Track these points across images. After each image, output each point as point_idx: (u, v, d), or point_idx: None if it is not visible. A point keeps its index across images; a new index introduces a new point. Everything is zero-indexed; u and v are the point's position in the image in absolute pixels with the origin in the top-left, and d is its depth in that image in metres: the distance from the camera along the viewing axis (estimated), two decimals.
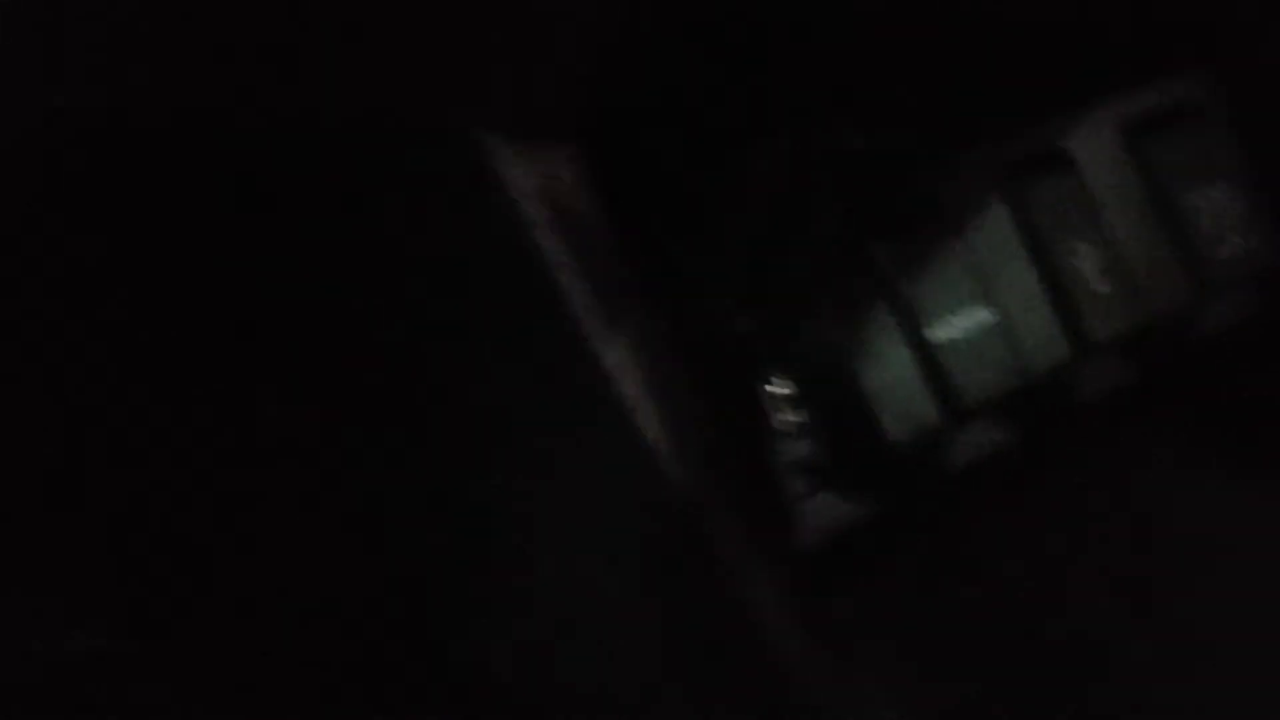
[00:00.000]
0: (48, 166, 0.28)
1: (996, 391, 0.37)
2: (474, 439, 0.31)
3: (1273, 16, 0.44)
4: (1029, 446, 0.40)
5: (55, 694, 0.29)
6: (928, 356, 0.36)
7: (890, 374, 0.36)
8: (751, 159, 0.31)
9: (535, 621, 0.32)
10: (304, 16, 0.27)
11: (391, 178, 0.29)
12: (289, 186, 0.29)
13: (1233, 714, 0.37)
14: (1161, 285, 0.42)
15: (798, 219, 0.34)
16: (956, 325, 0.37)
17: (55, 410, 0.29)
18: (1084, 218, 0.40)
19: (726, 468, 0.31)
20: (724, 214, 0.33)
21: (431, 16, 0.28)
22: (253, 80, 0.28)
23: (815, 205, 0.34)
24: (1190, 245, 0.42)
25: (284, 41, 0.28)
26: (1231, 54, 0.45)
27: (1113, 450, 0.43)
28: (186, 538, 0.30)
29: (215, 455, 0.30)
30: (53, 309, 0.28)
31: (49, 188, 0.28)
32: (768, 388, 0.35)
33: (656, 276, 0.32)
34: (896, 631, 0.37)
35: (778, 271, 0.34)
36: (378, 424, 0.31)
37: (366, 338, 0.31)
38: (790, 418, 0.35)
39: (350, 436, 0.31)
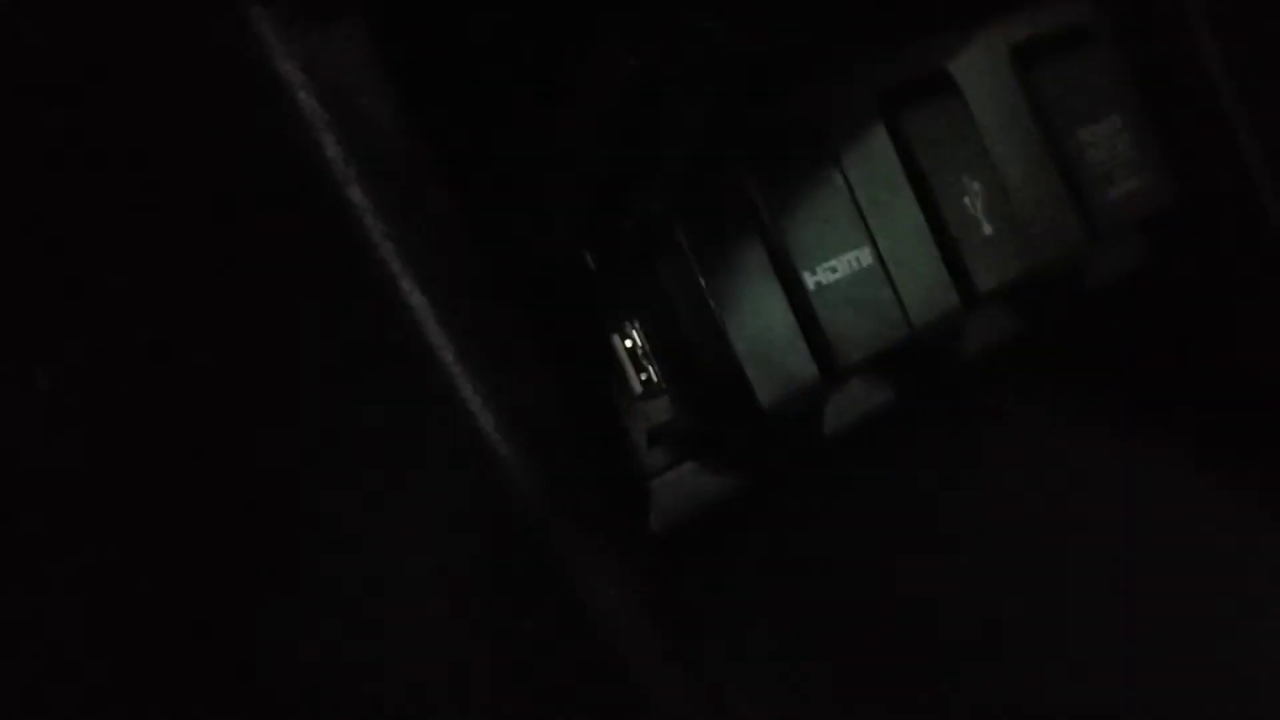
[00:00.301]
0: None
1: (877, 346, 0.32)
2: (252, 393, 0.25)
3: None
4: (908, 406, 0.35)
5: None
6: (803, 305, 0.31)
7: (761, 325, 0.30)
8: (595, 58, 0.25)
9: (344, 619, 0.26)
10: None
11: (137, 53, 0.23)
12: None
13: (1111, 675, 0.35)
14: (1051, 229, 0.37)
15: (652, 137, 0.28)
16: (835, 269, 0.32)
17: None
18: (970, 150, 0.36)
19: (566, 436, 0.25)
20: (561, 126, 0.27)
21: None
22: None
23: (674, 122, 0.28)
24: (1080, 186, 0.38)
25: None
26: None
27: (997, 409, 0.39)
28: None
29: None
30: None
31: None
32: (617, 340, 0.30)
33: (476, 201, 0.26)
34: (757, 620, 0.32)
35: (628, 200, 0.29)
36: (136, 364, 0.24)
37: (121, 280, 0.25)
38: (644, 376, 0.30)
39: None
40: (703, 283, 0.30)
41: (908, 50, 0.36)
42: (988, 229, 0.35)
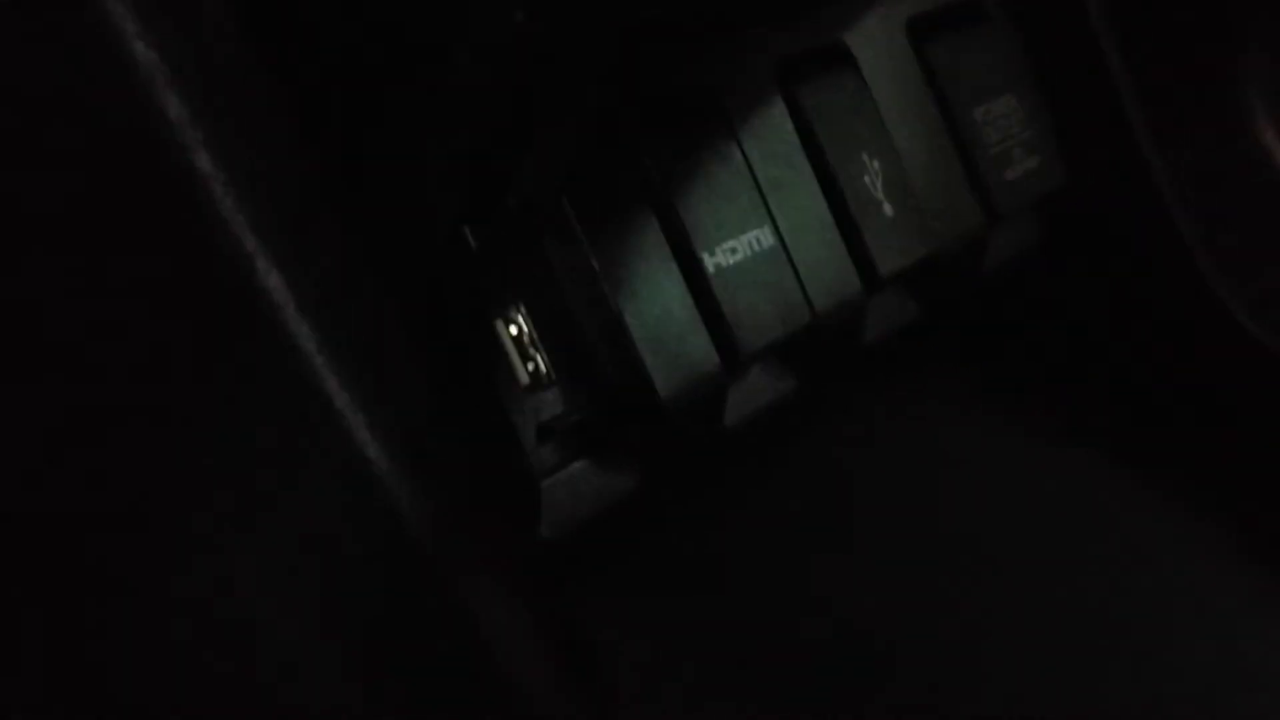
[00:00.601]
0: None
1: (780, 332, 0.30)
2: (88, 394, 0.22)
3: None
4: (809, 394, 0.33)
5: None
6: (703, 288, 0.29)
7: (659, 310, 0.28)
8: (478, 13, 0.23)
9: (210, 641, 0.23)
10: None
11: None
12: None
13: (1012, 658, 0.34)
14: (949, 211, 0.36)
15: (541, 107, 0.26)
16: (735, 250, 0.30)
17: None
18: (869, 128, 0.34)
19: (446, 439, 0.23)
20: (440, 88, 0.24)
21: None
22: None
23: (565, 84, 0.25)
24: (978, 166, 0.37)
25: None
26: None
27: (897, 394, 0.38)
28: None
29: None
30: None
31: None
32: (500, 326, 0.27)
33: (345, 171, 0.23)
34: (652, 629, 0.30)
35: (513, 171, 0.26)
36: None
37: None
38: (531, 365, 0.27)
39: None
40: (595, 264, 0.27)
41: (805, 21, 0.34)
42: (888, 210, 0.34)
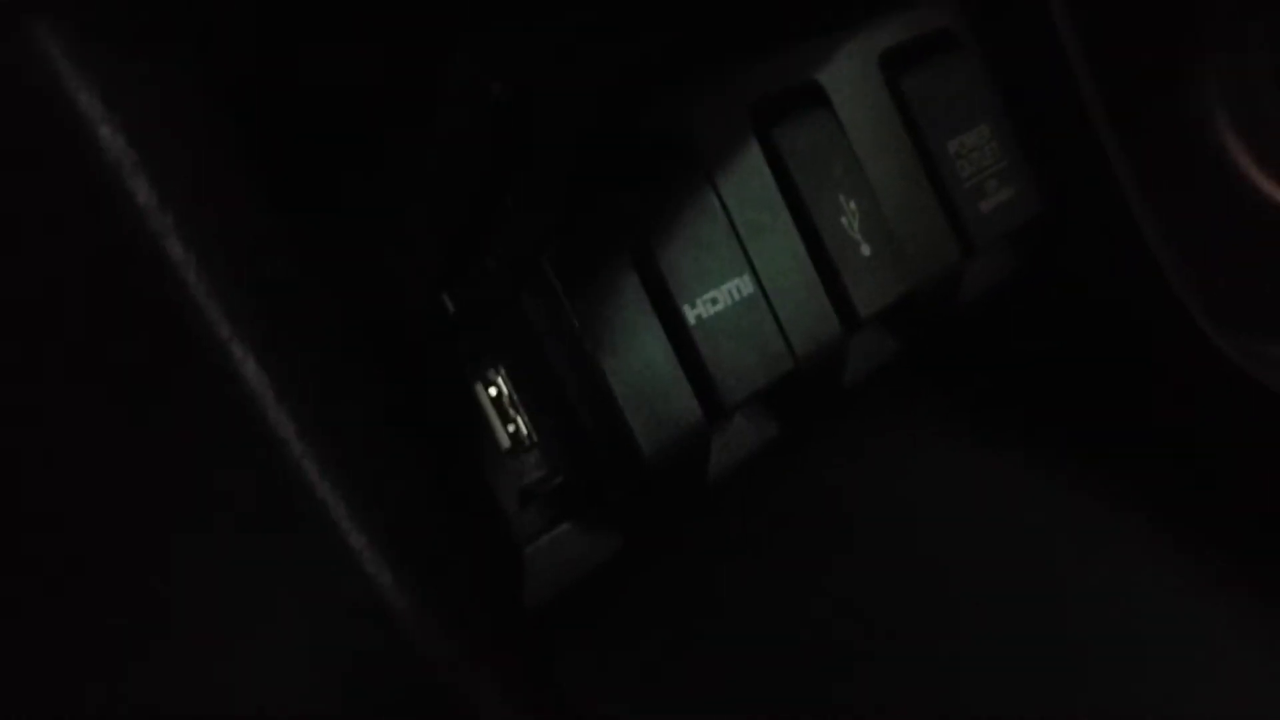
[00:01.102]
0: None
1: (762, 381, 0.30)
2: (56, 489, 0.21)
3: None
4: (792, 439, 0.33)
5: None
6: (684, 341, 0.28)
7: (640, 365, 0.28)
8: (454, 84, 0.22)
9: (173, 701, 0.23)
10: None
11: None
12: None
13: (994, 686, 0.34)
14: (925, 248, 0.36)
15: (514, 162, 0.25)
16: (715, 301, 0.29)
17: None
18: (845, 168, 0.34)
19: (427, 511, 0.22)
20: (413, 153, 0.24)
21: None
22: None
23: (537, 143, 0.25)
24: (953, 200, 0.37)
25: None
26: None
27: (876, 430, 0.38)
28: None
29: None
30: None
31: None
32: (480, 389, 0.26)
33: (320, 245, 0.22)
34: (635, 688, 0.30)
35: (492, 234, 0.25)
36: None
37: None
38: (511, 428, 0.27)
39: None
40: (575, 322, 0.27)
41: (778, 59, 0.34)
42: (866, 250, 0.34)
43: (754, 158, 0.32)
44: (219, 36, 0.21)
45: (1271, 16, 0.45)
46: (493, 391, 0.27)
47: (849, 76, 0.35)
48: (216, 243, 0.20)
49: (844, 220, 0.33)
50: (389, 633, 0.21)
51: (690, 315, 0.29)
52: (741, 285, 0.30)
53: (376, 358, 0.23)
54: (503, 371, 0.27)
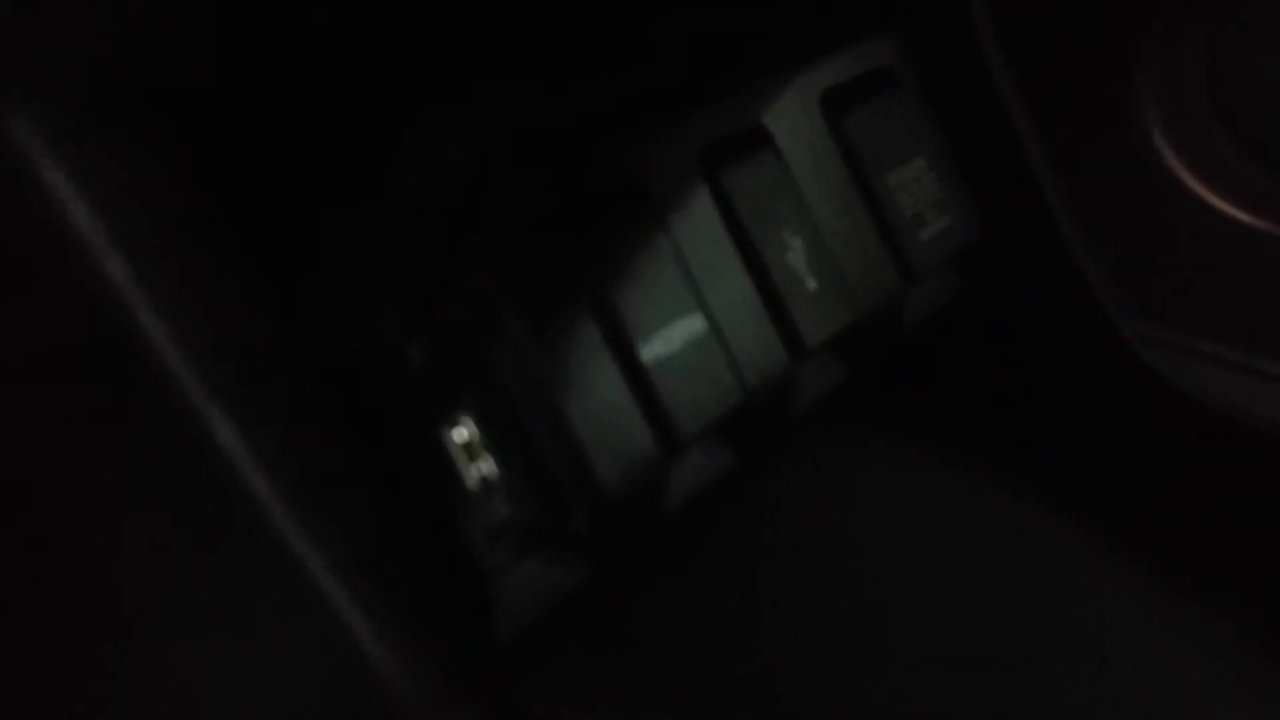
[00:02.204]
0: None
1: (715, 414, 0.31)
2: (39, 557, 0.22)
3: None
4: (745, 468, 0.34)
5: None
6: (640, 379, 0.30)
7: (599, 403, 0.29)
8: (409, 136, 0.24)
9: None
10: None
11: None
12: None
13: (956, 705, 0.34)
14: (869, 278, 0.38)
15: (473, 215, 0.27)
16: (669, 339, 0.31)
17: None
18: (790, 206, 0.35)
19: (399, 564, 0.23)
20: (375, 212, 0.25)
21: None
22: None
23: (495, 197, 0.26)
24: (894, 231, 0.39)
25: None
26: (914, 16, 0.42)
27: (830, 459, 0.39)
28: None
29: None
30: None
31: None
32: (448, 434, 0.28)
33: (286, 302, 0.23)
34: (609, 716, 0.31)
35: (453, 286, 0.27)
36: None
37: None
38: (479, 470, 0.28)
39: None
40: (538, 365, 0.28)
41: (724, 104, 0.35)
42: (812, 284, 0.35)
43: (703, 201, 0.33)
44: (190, 110, 0.22)
45: (1207, 25, 0.46)
46: (460, 435, 0.28)
47: (792, 118, 0.37)
48: (191, 313, 0.21)
49: (790, 256, 0.35)
50: (363, 677, 0.22)
51: (645, 354, 0.30)
52: (694, 323, 0.31)
53: (346, 410, 0.24)
54: (469, 416, 0.28)
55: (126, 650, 0.24)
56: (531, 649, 0.28)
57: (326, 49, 0.24)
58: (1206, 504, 0.41)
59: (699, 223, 0.33)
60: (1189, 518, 0.40)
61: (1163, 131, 0.47)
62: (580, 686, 0.29)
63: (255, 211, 0.24)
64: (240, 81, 0.23)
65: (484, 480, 0.28)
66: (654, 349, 0.30)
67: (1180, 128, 0.47)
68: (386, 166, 0.25)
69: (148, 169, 0.21)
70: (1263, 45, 0.45)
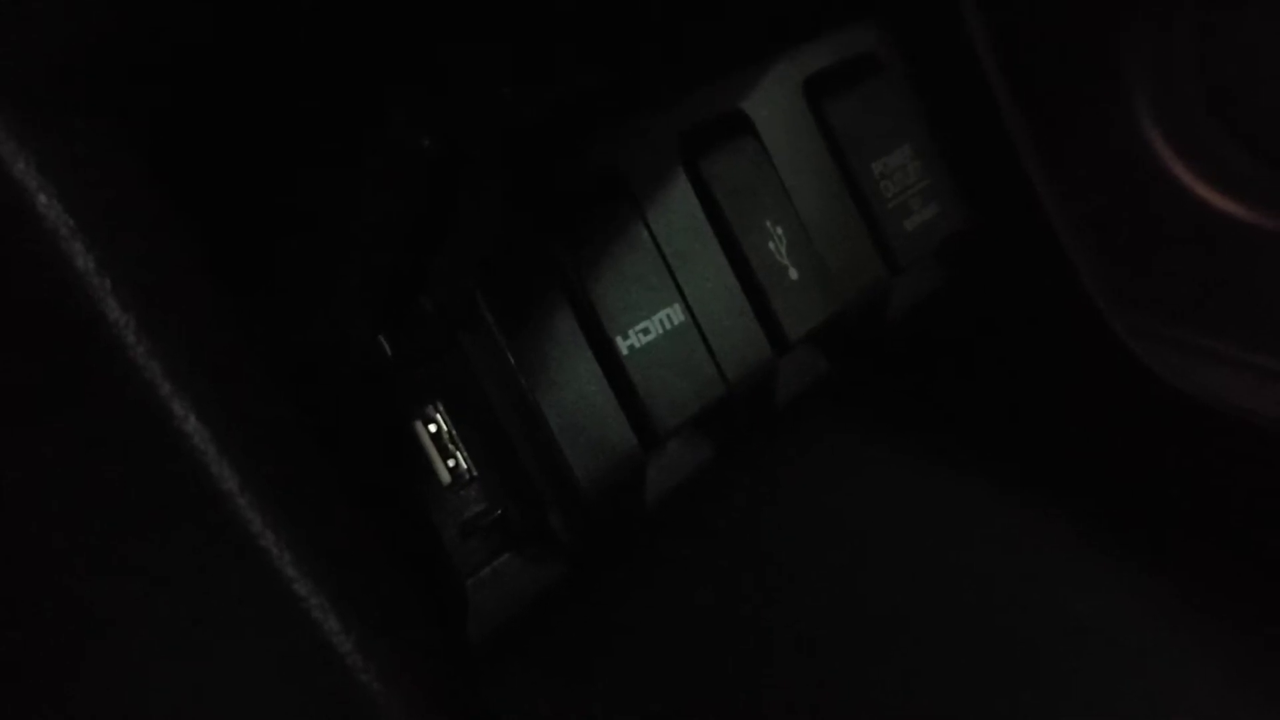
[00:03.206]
0: None
1: (695, 408, 0.31)
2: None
3: None
4: (726, 463, 0.34)
5: None
6: (618, 372, 0.29)
7: (575, 397, 0.28)
8: (384, 141, 0.23)
9: None
10: None
11: None
12: None
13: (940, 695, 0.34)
14: (852, 268, 0.37)
15: (447, 206, 0.26)
16: (647, 331, 0.30)
17: None
18: (771, 194, 0.35)
19: (370, 553, 0.23)
20: (346, 201, 0.24)
21: None
22: None
23: (470, 187, 0.25)
24: (878, 220, 0.38)
25: None
26: (900, 1, 0.42)
27: (812, 453, 0.38)
28: None
29: None
30: None
31: None
32: (421, 427, 0.27)
33: (256, 299, 0.23)
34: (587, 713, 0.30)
35: (427, 279, 0.26)
36: None
37: None
38: (451, 463, 0.27)
39: None
40: (511, 358, 0.28)
41: (704, 90, 0.35)
42: (794, 274, 0.34)
43: (682, 188, 0.32)
44: (155, 103, 0.21)
45: (1199, 13, 0.46)
46: (432, 428, 0.27)
47: (773, 104, 0.36)
48: (154, 302, 0.20)
49: (771, 245, 0.34)
50: (335, 675, 0.21)
51: (623, 346, 0.29)
52: (672, 314, 0.31)
53: (316, 403, 0.23)
54: (441, 409, 0.27)
55: (97, 653, 0.23)
56: (505, 649, 0.27)
57: (299, 39, 0.23)
58: (1194, 495, 0.41)
59: (677, 211, 0.32)
60: (1177, 509, 0.40)
61: (1152, 120, 0.47)
62: (555, 688, 0.29)
63: (223, 203, 0.23)
64: (208, 74, 0.23)
65: (456, 475, 0.27)
66: (631, 341, 0.30)
67: (1170, 117, 0.46)
68: (359, 155, 0.24)
69: (112, 162, 0.20)
70: (1256, 33, 0.45)
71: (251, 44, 0.23)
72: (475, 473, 0.27)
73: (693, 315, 0.31)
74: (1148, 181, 0.46)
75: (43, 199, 0.19)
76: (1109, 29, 0.46)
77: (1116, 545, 0.40)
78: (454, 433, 0.27)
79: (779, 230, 0.34)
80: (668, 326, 0.31)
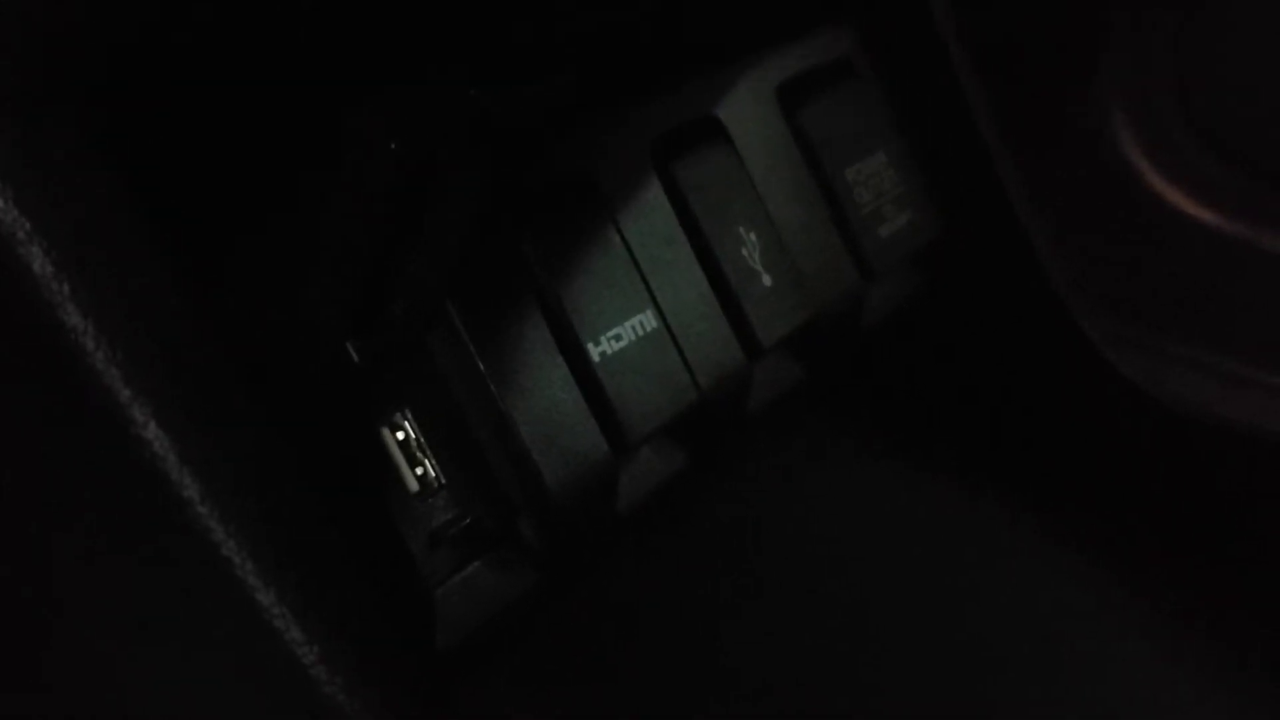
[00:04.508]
0: None
1: (667, 415, 0.31)
2: None
3: None
4: (698, 470, 0.33)
5: None
6: (589, 379, 0.29)
7: (546, 404, 0.28)
8: (354, 143, 0.22)
9: None
10: None
11: None
12: None
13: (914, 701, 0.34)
14: (826, 274, 0.37)
15: (416, 210, 0.26)
16: (619, 337, 0.30)
17: None
18: (744, 200, 0.35)
19: (334, 568, 0.22)
20: (314, 203, 0.24)
21: None
22: None
23: (445, 200, 0.25)
24: (852, 227, 0.38)
25: None
26: (874, 7, 0.42)
27: (781, 454, 0.38)
28: None
29: None
30: None
31: None
32: (388, 434, 0.27)
33: (222, 304, 0.22)
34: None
35: (397, 283, 0.26)
36: None
37: None
38: (419, 470, 0.27)
39: None
40: (480, 364, 0.27)
41: (676, 94, 0.34)
42: (767, 280, 0.34)
43: (654, 193, 0.32)
44: (118, 102, 0.21)
45: (1174, 21, 0.46)
46: (400, 435, 0.27)
47: (747, 109, 0.36)
48: (114, 307, 0.20)
49: (745, 251, 0.34)
50: (300, 687, 0.21)
51: (594, 352, 0.29)
52: (645, 320, 0.31)
53: (281, 409, 0.23)
54: (409, 415, 0.27)
55: (56, 661, 0.23)
56: (474, 658, 0.27)
57: (265, 36, 0.23)
58: (1165, 499, 0.41)
59: (650, 216, 0.32)
60: (1148, 513, 0.40)
61: (1126, 128, 0.47)
62: (524, 697, 0.28)
63: (188, 206, 0.23)
64: (173, 72, 0.22)
65: (425, 483, 0.27)
66: (603, 347, 0.29)
67: (1144, 125, 0.46)
68: (327, 157, 0.23)
69: (72, 163, 0.20)
70: (1230, 42, 0.45)
71: (216, 46, 0.22)
72: (444, 480, 0.27)
73: (665, 321, 0.31)
74: (1121, 189, 0.47)
75: (10, 219, 0.19)
76: (1084, 37, 0.46)
77: (1089, 549, 0.40)
78: (422, 440, 0.27)
79: (752, 236, 0.34)
80: (640, 333, 0.30)
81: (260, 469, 0.21)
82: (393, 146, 0.21)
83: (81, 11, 0.20)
